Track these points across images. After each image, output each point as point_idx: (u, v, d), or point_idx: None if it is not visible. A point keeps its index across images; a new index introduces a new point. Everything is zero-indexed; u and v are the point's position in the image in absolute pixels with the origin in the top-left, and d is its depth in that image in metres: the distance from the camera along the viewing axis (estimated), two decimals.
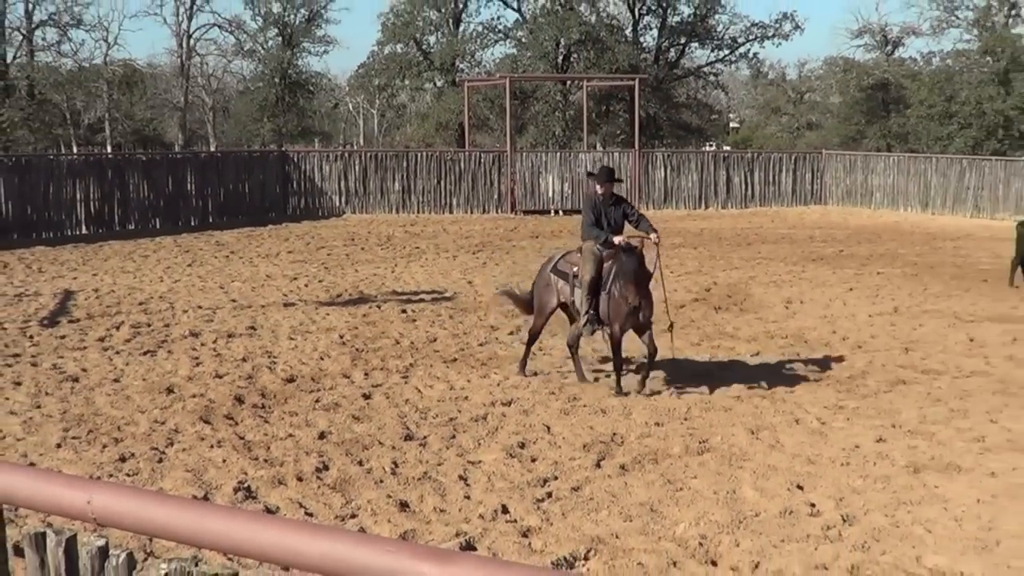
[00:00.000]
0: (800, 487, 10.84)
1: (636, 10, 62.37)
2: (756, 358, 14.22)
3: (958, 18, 65.69)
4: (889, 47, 69.57)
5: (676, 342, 15.91)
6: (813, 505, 10.28)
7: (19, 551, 3.98)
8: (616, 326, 14.21)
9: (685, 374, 15.56)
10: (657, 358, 14.59)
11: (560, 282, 15.07)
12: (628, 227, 14.86)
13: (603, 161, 42.61)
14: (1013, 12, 63.67)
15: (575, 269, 14.73)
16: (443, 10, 61.86)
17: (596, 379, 15.27)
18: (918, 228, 37.34)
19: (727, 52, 65.82)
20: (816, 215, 40.66)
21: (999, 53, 57.47)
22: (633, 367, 15.51)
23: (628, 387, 14.42)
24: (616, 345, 14.39)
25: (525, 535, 9.48)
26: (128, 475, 10.74)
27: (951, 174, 42.45)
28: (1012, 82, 56.13)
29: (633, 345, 15.26)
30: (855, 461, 11.62)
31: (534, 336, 15.64)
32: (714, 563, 8.95)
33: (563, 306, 15.27)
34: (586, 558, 9.02)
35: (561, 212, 40.68)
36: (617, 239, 14.18)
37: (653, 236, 14.47)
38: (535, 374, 15.48)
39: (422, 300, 21.37)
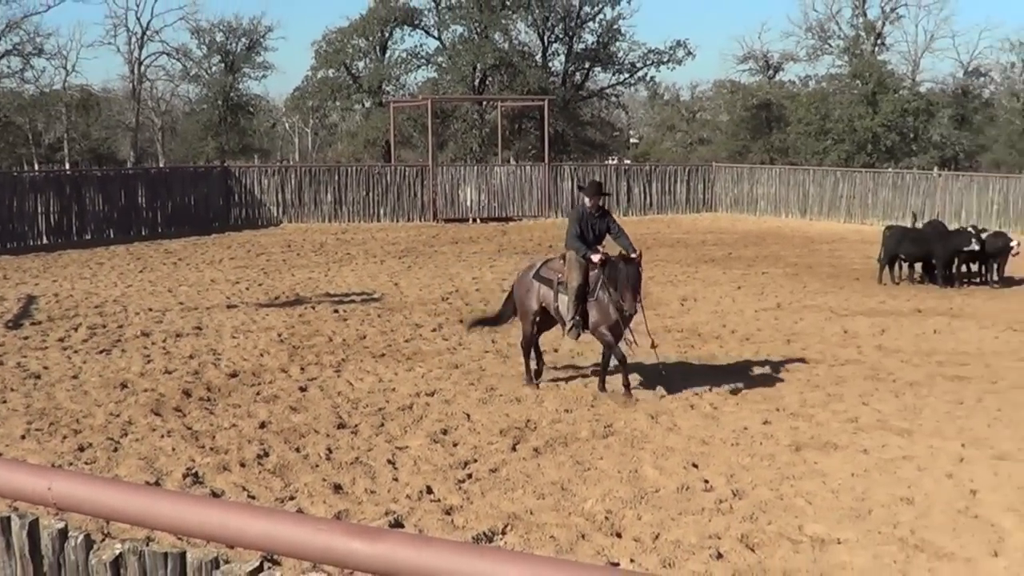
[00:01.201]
0: (695, 465, 10.90)
1: (545, 38, 62.42)
2: (655, 350, 14.25)
3: (831, 46, 66.48)
4: (771, 71, 70.16)
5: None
6: (707, 481, 10.35)
7: None
8: (602, 329, 13.75)
9: (590, 365, 15.60)
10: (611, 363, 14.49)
11: (543, 288, 14.34)
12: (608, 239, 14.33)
13: (516, 173, 42.66)
14: (879, 41, 64.51)
15: (559, 276, 14.08)
16: (370, 38, 61.60)
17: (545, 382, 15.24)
18: (798, 232, 37.68)
19: (627, 75, 66.02)
20: (707, 221, 40.93)
21: (867, 77, 58.17)
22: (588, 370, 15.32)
23: (611, 386, 13.97)
24: (608, 345, 13.84)
25: (448, 513, 9.46)
26: (86, 463, 10.64)
27: (826, 184, 42.86)
28: (879, 103, 56.85)
29: (586, 347, 15.27)
30: (744, 441, 11.71)
31: (528, 343, 14.69)
32: (619, 535, 8.98)
33: (543, 311, 14.43)
34: (503, 533, 9.02)
35: (479, 220, 40.67)
36: (595, 256, 13.60)
37: (633, 256, 13.65)
38: (456, 367, 15.45)
39: (353, 301, 21.26)
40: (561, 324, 14.24)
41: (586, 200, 14.23)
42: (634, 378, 14.32)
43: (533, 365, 14.74)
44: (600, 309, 13.73)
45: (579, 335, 14.11)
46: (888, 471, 10.71)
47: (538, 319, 14.53)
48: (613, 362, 14.04)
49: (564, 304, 13.97)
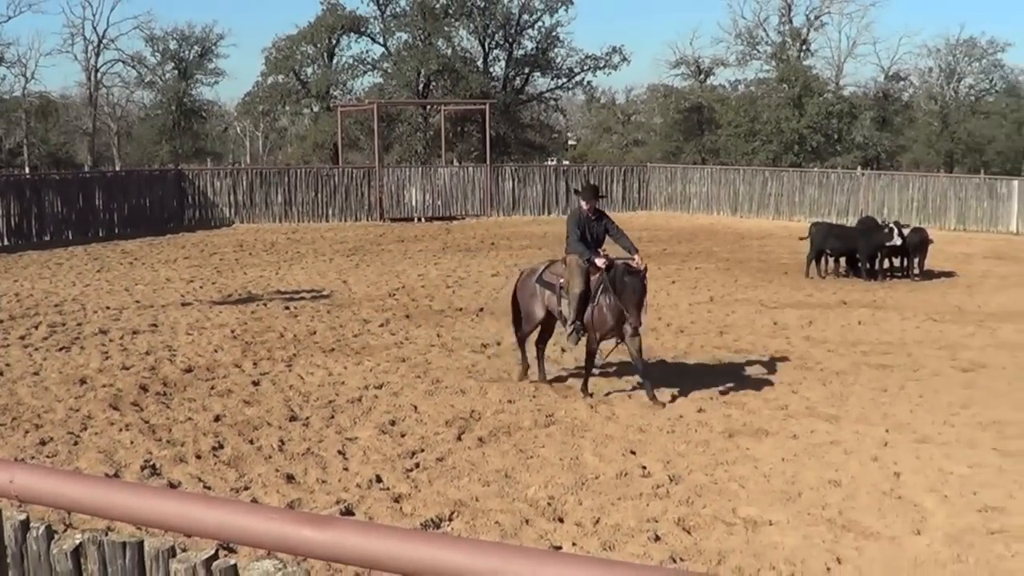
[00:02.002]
0: (633, 452, 10.94)
1: (486, 44, 62.39)
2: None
3: (759, 51, 66.83)
4: (702, 76, 70.40)
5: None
6: (644, 467, 10.39)
7: None
8: (597, 334, 13.30)
9: (530, 357, 15.62)
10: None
11: (547, 292, 13.86)
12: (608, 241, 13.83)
13: (459, 174, 42.64)
14: (804, 47, 64.97)
15: (561, 280, 13.58)
16: (318, 45, 61.38)
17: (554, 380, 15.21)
18: (729, 229, 37.91)
19: (565, 80, 66.13)
20: (643, 219, 41.04)
21: (793, 81, 58.59)
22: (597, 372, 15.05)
23: (593, 389, 13.62)
24: (591, 353, 13.50)
25: (397, 501, 9.45)
26: (48, 457, 10.55)
27: (756, 183, 43.16)
28: (804, 105, 57.25)
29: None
30: (679, 429, 11.77)
31: (523, 341, 14.38)
32: (561, 520, 8.99)
33: (548, 315, 13.99)
34: (450, 519, 9.01)
35: (424, 219, 40.60)
36: (599, 261, 13.10)
37: (637, 258, 13.14)
38: (403, 360, 15.42)
39: (303, 298, 21.16)
40: (563, 327, 13.76)
41: (583, 203, 13.71)
42: (574, 371, 14.34)
43: (536, 367, 14.36)
44: (599, 314, 13.24)
45: (579, 340, 13.58)
46: (816, 455, 10.80)
47: (541, 323, 14.20)
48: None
49: (567, 308, 13.51)
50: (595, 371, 14.05)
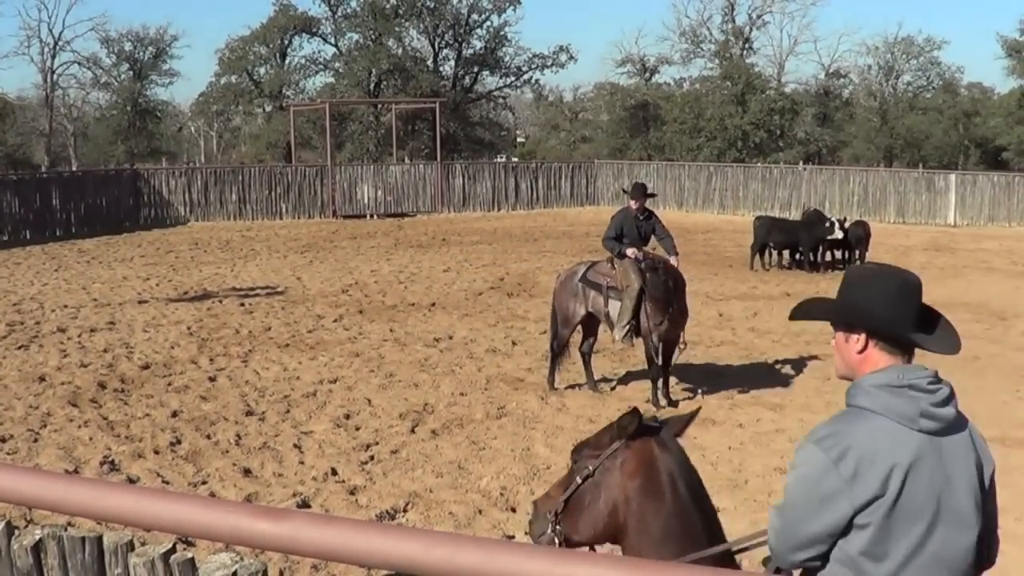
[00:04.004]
0: None
1: (436, 44, 62.27)
2: (544, 336, 14.35)
3: (703, 50, 67.13)
4: (647, 74, 70.61)
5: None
6: None
7: None
8: (653, 336, 12.73)
9: (481, 351, 15.65)
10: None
11: (592, 292, 13.25)
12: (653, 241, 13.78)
13: (410, 172, 42.56)
14: (747, 45, 65.36)
15: (608, 280, 13.09)
16: (271, 46, 61.09)
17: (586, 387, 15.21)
18: (674, 224, 37.76)
19: (513, 79, 66.12)
20: (591, 214, 41.08)
21: (736, 79, 58.88)
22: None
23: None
24: (650, 358, 12.95)
25: (352, 493, 9.45)
26: (8, 454, 10.49)
27: (700, 178, 43.38)
28: (748, 102, 57.56)
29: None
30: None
31: (561, 347, 13.60)
32: (513, 510, 9.03)
33: (589, 316, 13.44)
34: (405, 510, 9.03)
35: (376, 216, 40.49)
36: (630, 251, 12.83)
37: (673, 259, 13.12)
38: (357, 355, 15.39)
39: (258, 295, 21.06)
40: (609, 328, 13.22)
41: (631, 203, 13.49)
42: (524, 363, 14.36)
43: (586, 374, 13.79)
44: (648, 315, 12.78)
45: (632, 341, 13.09)
46: (762, 443, 10.90)
47: (582, 325, 13.67)
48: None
49: (615, 309, 12.94)
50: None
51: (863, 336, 3.43)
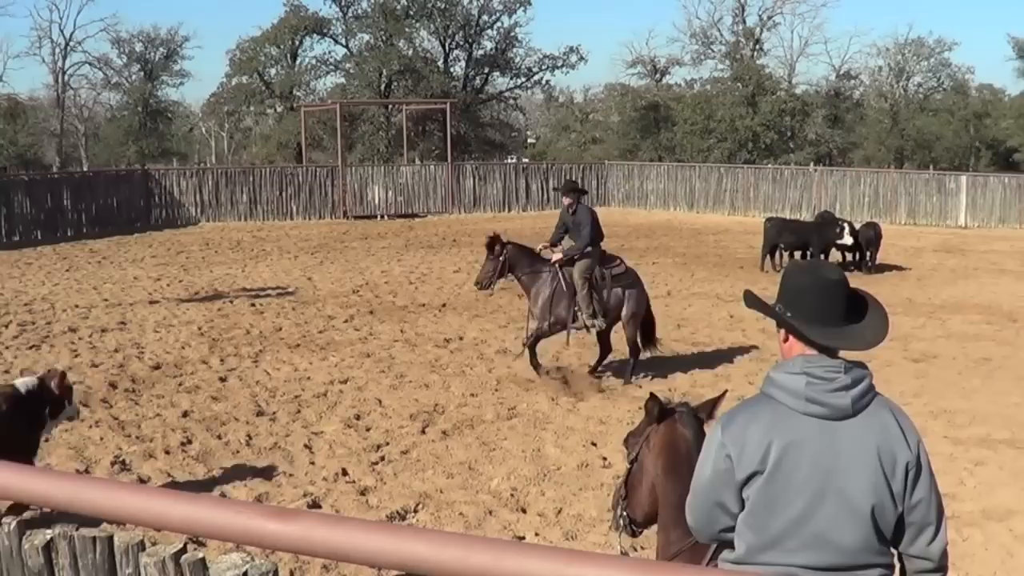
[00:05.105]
0: (594, 444, 10.99)
1: (446, 45, 62.29)
2: (552, 338, 14.36)
3: (713, 51, 66.98)
4: (658, 75, 70.54)
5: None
6: (605, 459, 10.43)
7: None
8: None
9: (492, 351, 15.65)
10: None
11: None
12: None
13: (421, 172, 42.62)
14: (757, 46, 65.25)
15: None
16: (282, 46, 61.11)
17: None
18: (686, 225, 38.02)
19: (524, 79, 66.12)
20: (601, 215, 40.42)
21: (747, 80, 58.81)
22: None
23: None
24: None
25: (363, 493, 9.46)
26: None
27: (711, 179, 43.34)
28: (758, 103, 57.49)
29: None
30: (639, 420, 11.79)
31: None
32: (524, 510, 9.03)
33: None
34: (415, 511, 9.03)
35: (386, 217, 40.50)
36: (554, 256, 14.07)
37: (556, 255, 14.15)
38: (368, 356, 15.39)
39: (269, 295, 21.09)
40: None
41: (564, 199, 14.47)
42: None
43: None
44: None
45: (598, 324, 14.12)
46: None
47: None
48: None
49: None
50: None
51: (784, 329, 3.78)
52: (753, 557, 3.60)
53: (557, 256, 14.04)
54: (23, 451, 8.38)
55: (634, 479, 5.03)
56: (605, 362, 14.62)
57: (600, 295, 13.88)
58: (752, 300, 3.99)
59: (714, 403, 5.10)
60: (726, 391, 5.10)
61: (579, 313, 13.84)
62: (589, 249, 13.96)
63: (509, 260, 13.96)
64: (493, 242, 13.97)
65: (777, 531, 3.54)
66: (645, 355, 14.67)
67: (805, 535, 3.52)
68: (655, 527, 4.91)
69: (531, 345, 14.04)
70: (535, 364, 13.94)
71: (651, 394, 4.94)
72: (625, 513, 5.08)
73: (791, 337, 3.73)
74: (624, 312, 14.02)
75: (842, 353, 3.70)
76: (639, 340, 14.41)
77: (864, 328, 3.74)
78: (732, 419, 3.67)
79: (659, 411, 4.96)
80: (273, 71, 62.42)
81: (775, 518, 3.54)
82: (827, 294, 3.68)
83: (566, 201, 14.34)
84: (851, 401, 3.55)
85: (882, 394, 3.69)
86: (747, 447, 3.55)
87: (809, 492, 3.51)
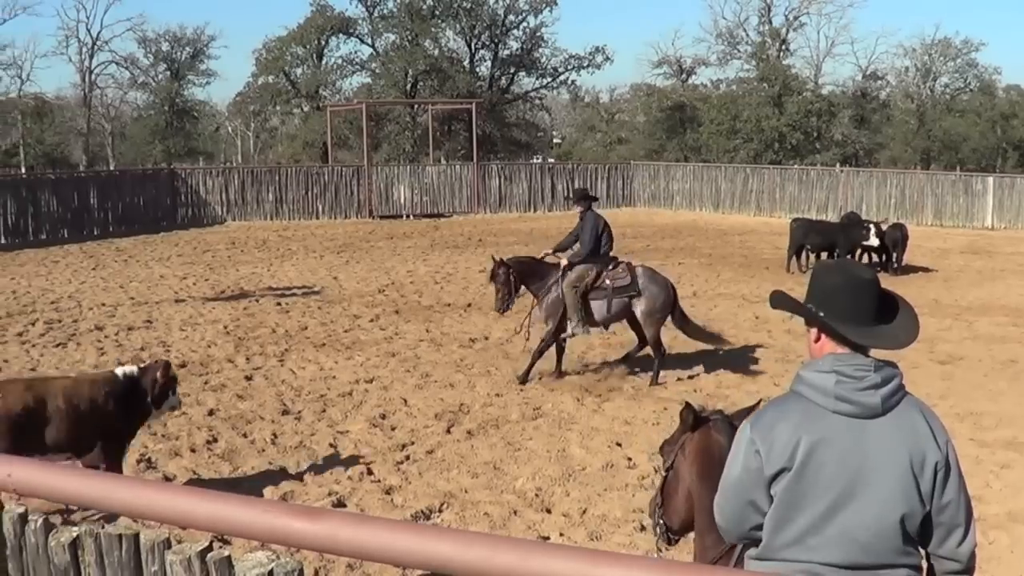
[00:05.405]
0: (619, 444, 10.96)
1: (472, 45, 62.37)
2: (575, 337, 14.34)
3: (739, 51, 66.83)
4: (684, 75, 70.43)
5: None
6: (630, 459, 10.41)
7: None
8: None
9: (517, 351, 15.63)
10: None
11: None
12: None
13: (446, 172, 42.70)
14: (783, 47, 65.04)
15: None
16: (308, 46, 61.27)
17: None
18: (711, 225, 37.94)
19: (550, 80, 66.13)
20: (627, 216, 41.04)
21: (773, 80, 58.66)
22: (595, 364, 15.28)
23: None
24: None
25: (388, 493, 9.46)
26: None
27: (737, 180, 43.25)
28: (784, 104, 57.34)
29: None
30: (664, 421, 11.77)
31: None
32: (548, 511, 9.01)
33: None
34: (440, 510, 9.03)
35: (412, 216, 40.58)
36: (562, 262, 14.20)
37: (553, 256, 14.49)
38: (393, 355, 15.40)
39: (294, 294, 21.14)
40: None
41: (577, 207, 14.73)
42: (561, 364, 14.37)
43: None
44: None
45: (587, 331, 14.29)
46: None
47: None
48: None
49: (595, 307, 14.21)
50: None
51: (815, 329, 3.79)
52: (777, 553, 3.60)
53: (564, 262, 14.19)
54: (114, 437, 8.49)
55: (670, 487, 5.07)
56: (633, 359, 14.63)
57: (606, 303, 13.96)
58: (782, 300, 4.00)
59: (748, 411, 5.06)
60: (760, 400, 5.05)
61: (568, 322, 13.92)
62: (586, 256, 14.09)
63: (517, 276, 14.07)
64: (496, 269, 14.05)
65: (802, 528, 3.54)
66: (697, 349, 14.71)
67: (830, 532, 3.51)
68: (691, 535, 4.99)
69: (536, 353, 14.01)
70: (528, 371, 13.93)
71: (686, 403, 4.99)
72: (662, 521, 5.14)
73: (823, 336, 3.73)
74: (639, 312, 14.04)
75: (872, 353, 3.68)
76: (694, 337, 14.75)
77: (896, 328, 3.74)
78: (761, 417, 3.68)
79: (694, 419, 5.00)
80: (299, 71, 62.59)
81: (801, 515, 3.53)
82: (860, 293, 3.69)
83: (577, 208, 14.70)
84: (881, 400, 3.54)
85: (912, 394, 3.67)
86: (776, 444, 3.54)
87: (836, 490, 3.50)
